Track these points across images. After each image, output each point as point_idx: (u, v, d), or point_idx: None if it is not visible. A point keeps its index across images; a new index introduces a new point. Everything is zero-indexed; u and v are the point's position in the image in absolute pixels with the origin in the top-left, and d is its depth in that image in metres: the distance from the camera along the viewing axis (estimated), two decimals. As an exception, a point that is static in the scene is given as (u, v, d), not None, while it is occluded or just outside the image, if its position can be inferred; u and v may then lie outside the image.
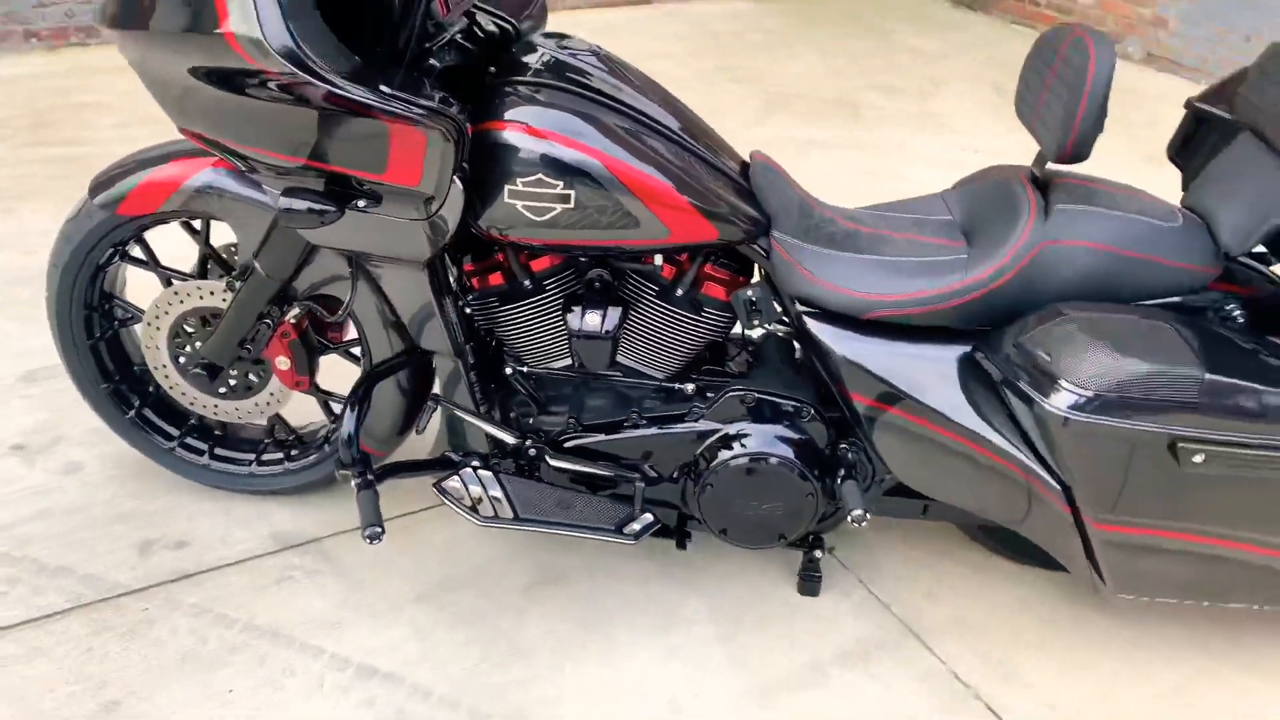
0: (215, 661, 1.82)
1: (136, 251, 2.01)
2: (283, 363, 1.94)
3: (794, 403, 1.83)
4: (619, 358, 1.84)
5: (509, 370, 1.88)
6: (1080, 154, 1.63)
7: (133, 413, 2.11)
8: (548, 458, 1.85)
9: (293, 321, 1.90)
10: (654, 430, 1.85)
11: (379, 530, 1.71)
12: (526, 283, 1.82)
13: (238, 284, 1.86)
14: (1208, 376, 1.52)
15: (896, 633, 1.96)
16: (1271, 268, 1.82)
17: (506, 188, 1.62)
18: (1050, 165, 1.74)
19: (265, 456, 2.15)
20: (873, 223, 1.84)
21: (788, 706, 1.80)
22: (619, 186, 1.62)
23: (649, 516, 1.84)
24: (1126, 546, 1.66)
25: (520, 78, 1.67)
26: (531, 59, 1.72)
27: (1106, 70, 1.58)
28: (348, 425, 1.80)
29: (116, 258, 1.97)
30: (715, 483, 1.82)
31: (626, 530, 1.82)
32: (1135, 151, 3.92)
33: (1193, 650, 1.93)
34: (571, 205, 1.62)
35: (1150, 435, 1.54)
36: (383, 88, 1.47)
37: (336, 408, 2.12)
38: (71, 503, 2.15)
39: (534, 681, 1.82)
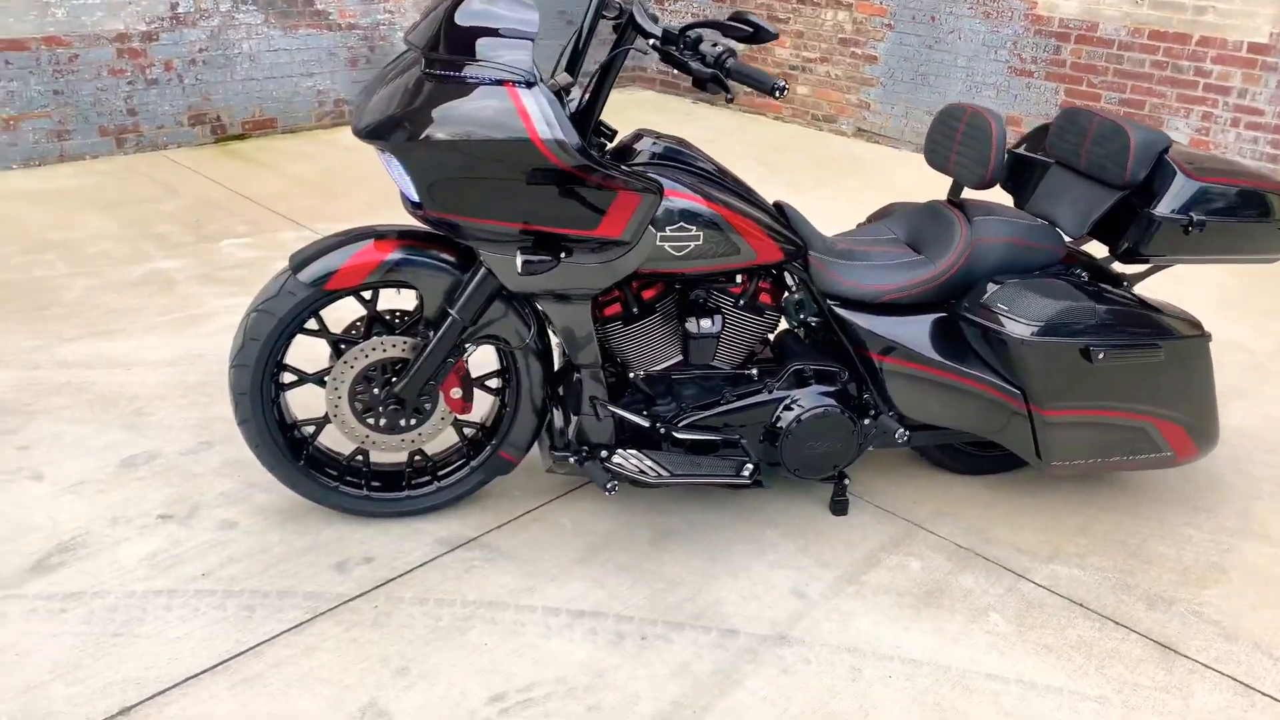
0: (457, 629, 2.29)
1: (310, 323, 2.46)
2: (455, 392, 2.47)
3: (832, 369, 2.63)
4: (703, 356, 2.56)
5: (631, 375, 2.54)
6: (993, 182, 2.60)
7: (302, 461, 2.51)
8: (674, 433, 2.52)
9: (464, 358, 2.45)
10: (742, 404, 2.58)
11: (616, 483, 2.32)
12: (635, 309, 2.50)
13: (431, 333, 2.38)
14: (1096, 306, 2.51)
15: (905, 528, 2.79)
16: (1087, 246, 2.89)
17: (658, 234, 2.31)
18: (964, 194, 2.70)
19: (415, 481, 2.62)
20: (855, 243, 2.71)
21: (867, 582, 2.56)
22: (729, 227, 2.37)
23: (750, 465, 2.56)
24: (1058, 424, 2.61)
25: (641, 161, 2.38)
26: (642, 146, 2.43)
27: (1001, 132, 2.57)
28: (559, 422, 2.39)
29: (300, 329, 2.41)
30: (791, 434, 2.57)
31: (741, 476, 2.53)
32: (870, 191, 5.16)
33: (1092, 502, 2.92)
34: (701, 242, 2.34)
35: (1071, 345, 2.50)
36: (622, 165, 2.15)
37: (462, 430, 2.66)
38: (250, 548, 2.50)
39: (694, 596, 2.45)
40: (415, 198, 2.19)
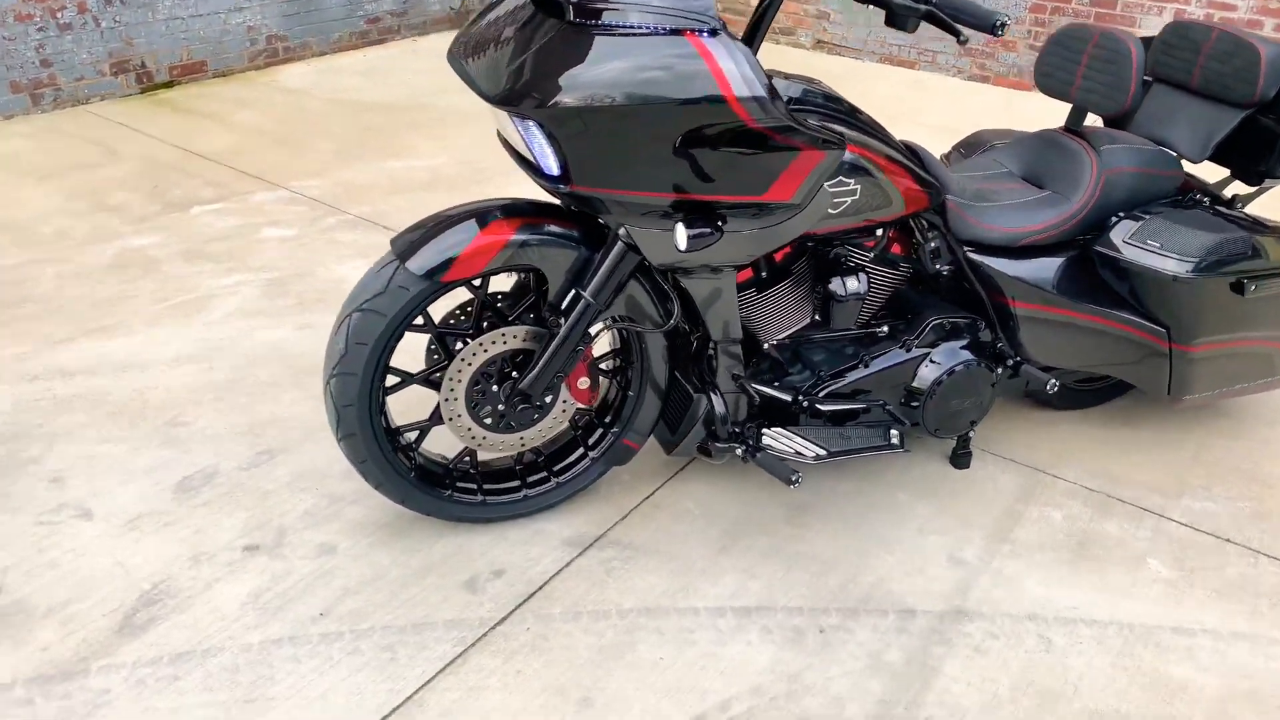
0: (624, 645, 2.08)
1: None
2: (583, 382, 2.20)
3: (969, 320, 2.46)
4: (846, 319, 2.35)
5: (765, 346, 2.31)
6: (1133, 110, 2.42)
7: (412, 474, 2.23)
8: (818, 405, 2.32)
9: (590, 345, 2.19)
10: (882, 366, 2.39)
11: (800, 475, 2.12)
12: (765, 273, 2.28)
13: (557, 319, 2.10)
14: (1245, 236, 2.39)
15: (1032, 476, 2.68)
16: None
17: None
18: (1087, 123, 2.52)
19: (531, 479, 2.36)
20: (979, 182, 2.52)
21: (1018, 539, 2.44)
22: (884, 177, 2.14)
23: (897, 430, 2.38)
24: (1199, 359, 2.51)
25: (794, 108, 2.12)
26: (779, 88, 2.16)
27: (1141, 54, 2.39)
28: (719, 408, 2.15)
29: (409, 327, 2.10)
30: (935, 392, 2.40)
31: (891, 443, 2.36)
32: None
33: (1193, 429, 2.86)
34: (857, 196, 2.11)
35: (1224, 279, 2.39)
36: (809, 120, 1.90)
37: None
38: (362, 575, 2.21)
39: (855, 576, 2.29)
40: (555, 170, 1.90)
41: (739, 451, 2.21)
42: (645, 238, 2.00)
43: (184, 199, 4.02)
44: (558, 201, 2.24)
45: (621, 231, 2.02)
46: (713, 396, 2.21)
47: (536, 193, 3.27)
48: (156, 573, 2.19)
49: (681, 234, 1.91)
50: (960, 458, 2.65)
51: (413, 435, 2.28)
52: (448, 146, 4.75)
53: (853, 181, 2.10)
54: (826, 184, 2.07)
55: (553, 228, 2.09)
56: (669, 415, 2.38)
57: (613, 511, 2.44)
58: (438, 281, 2.02)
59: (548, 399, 2.23)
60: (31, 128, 4.67)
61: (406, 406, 2.52)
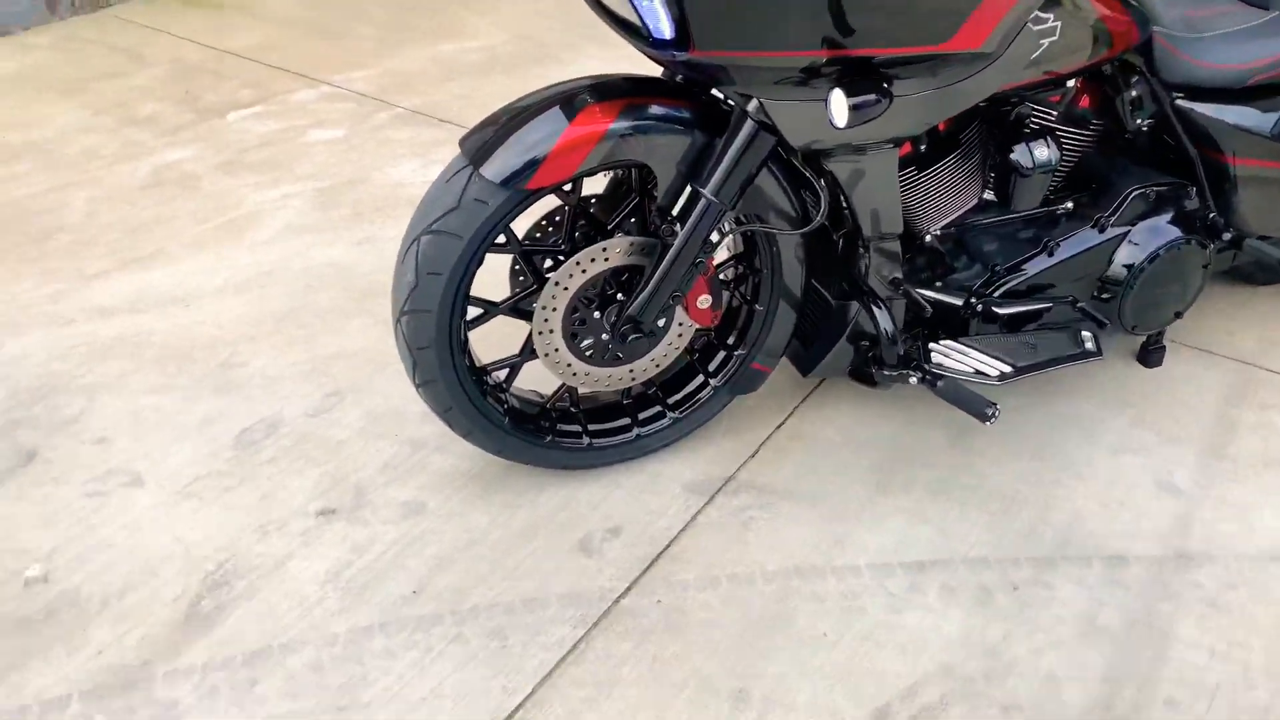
0: (778, 619, 1.72)
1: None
2: (703, 301, 1.79)
3: (1175, 186, 1.97)
4: (1031, 196, 1.88)
5: (928, 237, 1.87)
6: None
7: (506, 419, 1.86)
8: (994, 307, 1.88)
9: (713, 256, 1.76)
10: (1072, 252, 1.93)
11: (997, 408, 1.71)
12: (924, 147, 1.81)
13: (675, 227, 1.68)
14: None
15: (1240, 371, 2.22)
16: None
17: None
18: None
19: (643, 415, 1.99)
20: (1186, 6, 1.99)
21: (1238, 456, 2.01)
22: (1089, 9, 1.65)
23: (1088, 333, 1.94)
24: None
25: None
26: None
27: None
28: (884, 324, 1.74)
29: (490, 247, 1.70)
30: (1138, 280, 1.94)
31: (1085, 348, 1.91)
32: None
33: None
34: (1058, 36, 1.63)
35: None
36: None
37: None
38: (457, 539, 1.88)
39: (1045, 515, 1.90)
40: (668, 32, 1.45)
41: (914, 380, 1.79)
42: (784, 113, 1.55)
43: (219, 104, 3.62)
44: (662, 74, 1.80)
45: (752, 107, 1.58)
46: (872, 308, 1.78)
47: (624, 65, 2.80)
48: (221, 548, 1.88)
49: (840, 104, 1.46)
50: (1151, 353, 2.20)
51: (501, 374, 1.90)
52: (501, 22, 4.25)
53: (1051, 17, 1.61)
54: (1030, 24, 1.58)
55: (660, 110, 1.65)
56: (804, 329, 1.97)
57: (740, 447, 2.06)
58: (522, 190, 1.61)
59: (660, 323, 1.83)
60: (51, 37, 4.27)
61: (491, 340, 2.14)
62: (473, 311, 1.80)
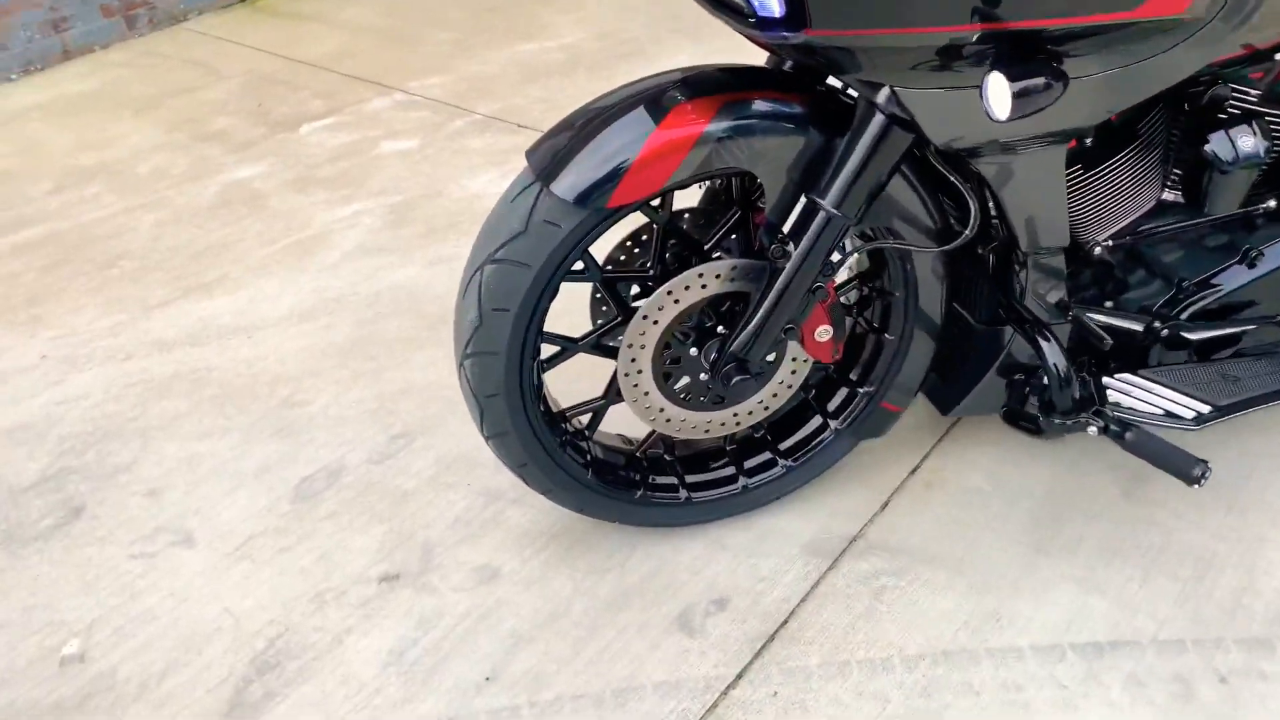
0: (923, 716, 1.42)
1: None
2: (823, 332, 1.50)
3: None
4: (1231, 197, 1.53)
5: (1097, 249, 1.53)
6: None
7: (589, 472, 1.60)
8: (1181, 332, 1.53)
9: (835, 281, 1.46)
10: (1275, 263, 1.57)
11: (1208, 468, 1.38)
12: (1090, 141, 1.47)
13: (788, 246, 1.39)
14: None
15: None
16: None
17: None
18: None
19: (749, 463, 1.70)
20: None
21: None
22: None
23: (1307, 358, 1.58)
24: None
25: None
26: None
27: None
28: (1052, 357, 1.42)
29: (567, 275, 1.44)
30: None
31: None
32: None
33: None
34: (1274, -3, 1.29)
35: None
36: None
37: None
38: (537, 613, 1.62)
39: (1254, 576, 1.54)
40: (778, 8, 1.16)
41: (1093, 429, 1.45)
42: (924, 105, 1.24)
43: (291, 116, 3.45)
44: (767, 62, 1.51)
45: (882, 98, 1.27)
46: (1035, 337, 1.45)
47: (721, 59, 2.51)
48: (273, 621, 1.66)
49: (1000, 91, 1.15)
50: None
51: (584, 418, 1.64)
52: (585, 19, 3.99)
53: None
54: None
55: (767, 105, 1.36)
56: (943, 360, 1.65)
57: (868, 498, 1.75)
58: (601, 209, 1.34)
59: (770, 358, 1.54)
60: (128, 54, 4.18)
61: (569, 378, 1.87)
62: (547, 350, 1.53)
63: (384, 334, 2.31)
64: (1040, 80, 1.15)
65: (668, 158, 1.31)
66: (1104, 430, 1.44)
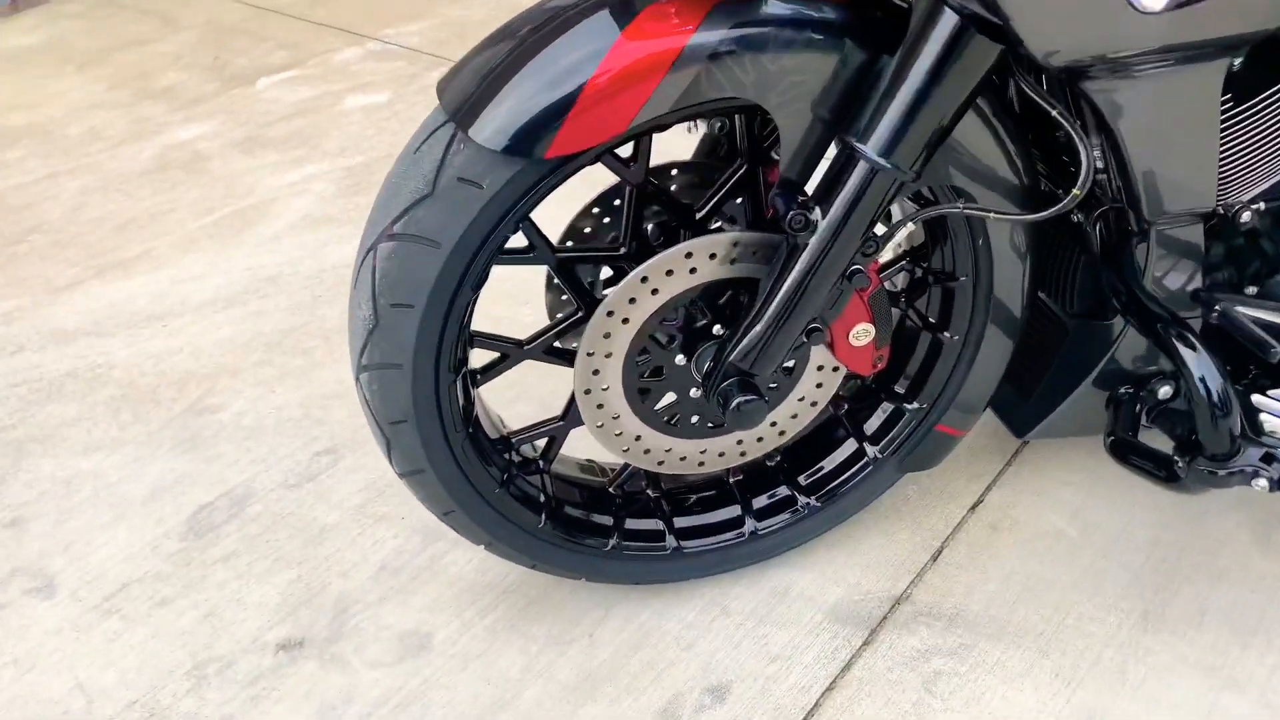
0: None
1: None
2: (861, 334, 1.08)
3: None
4: None
5: (1246, 214, 1.10)
6: None
7: (542, 518, 1.19)
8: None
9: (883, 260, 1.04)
10: None
11: None
12: (1238, 61, 1.04)
13: (813, 213, 0.97)
14: None
15: None
16: None
17: None
18: None
19: (759, 501, 1.29)
20: None
21: None
22: None
23: None
24: None
25: None
26: None
27: None
28: (1198, 369, 0.99)
29: (500, 256, 1.03)
30: None
31: None
32: None
33: None
34: None
35: None
36: None
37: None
38: (477, 702, 1.22)
39: None
40: None
41: (1263, 483, 1.02)
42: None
43: (249, 70, 3.04)
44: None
45: (959, -7, 0.85)
46: (1172, 340, 1.02)
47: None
48: (135, 703, 1.27)
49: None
50: None
51: (539, 443, 1.23)
52: (586, -39, 3.56)
53: None
54: None
55: (782, 7, 0.93)
56: (1020, 366, 1.24)
57: (915, 542, 1.34)
58: (539, 159, 0.92)
59: (790, 366, 1.12)
60: (83, 5, 3.77)
61: (512, 390, 1.45)
62: (481, 356, 1.13)
63: (321, 323, 1.92)
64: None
65: (635, 83, 0.90)
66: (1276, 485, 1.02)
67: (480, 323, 1.14)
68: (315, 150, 2.55)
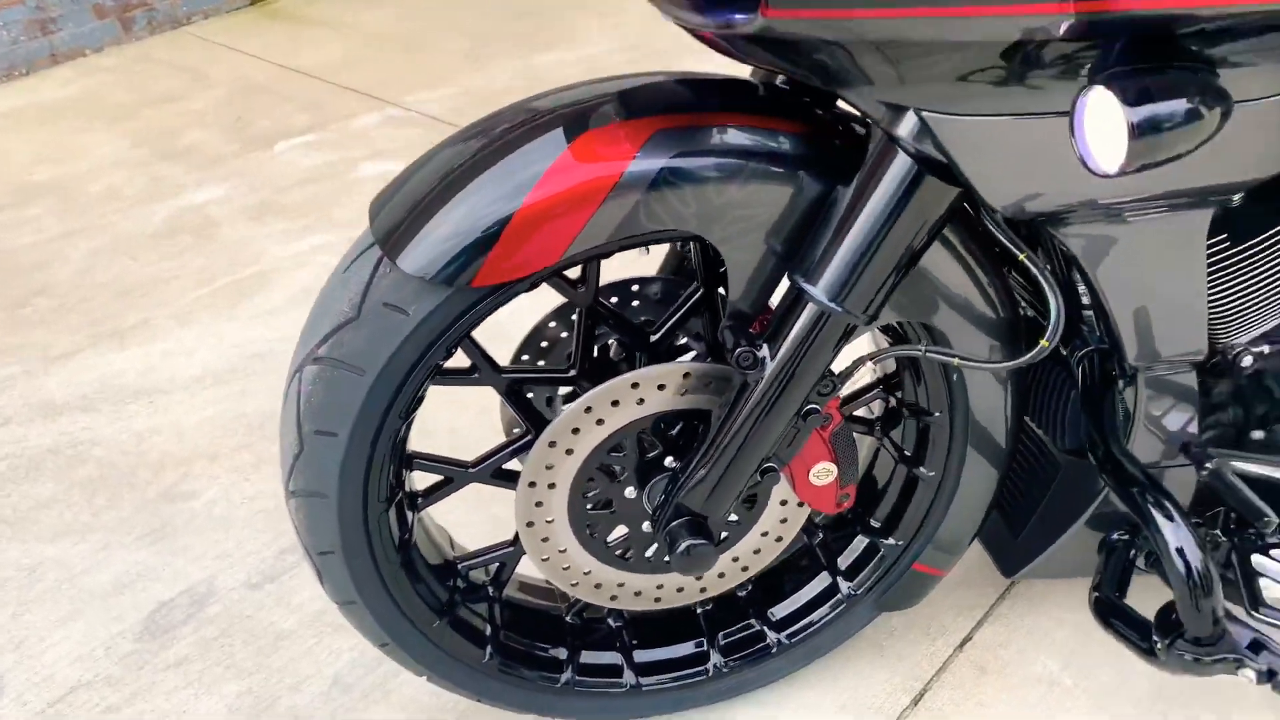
0: None
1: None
2: (823, 473, 1.00)
3: None
4: None
5: (1245, 358, 1.01)
6: None
7: (488, 651, 1.12)
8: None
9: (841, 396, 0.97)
10: None
11: None
12: (1236, 198, 0.95)
13: (760, 351, 0.90)
14: None
15: None
16: None
17: None
18: None
19: (726, 635, 1.20)
20: None
21: None
22: None
23: None
24: None
25: None
26: None
27: None
28: (1177, 542, 0.89)
29: (436, 376, 0.97)
30: None
31: None
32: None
33: None
34: None
35: None
36: None
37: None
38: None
39: None
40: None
41: (1250, 675, 0.92)
42: (972, 141, 0.75)
43: (270, 132, 3.06)
44: (751, 74, 1.04)
45: (905, 129, 0.78)
46: (1149, 504, 0.93)
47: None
48: (68, 823, 1.22)
49: (1108, 120, 0.65)
50: None
51: (491, 568, 1.16)
52: (618, 25, 3.54)
53: None
54: None
55: (732, 135, 0.87)
56: (1009, 497, 1.15)
57: (894, 684, 1.25)
58: (463, 287, 0.87)
59: (750, 504, 1.05)
60: (119, 59, 3.85)
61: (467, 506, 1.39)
62: (426, 479, 1.07)
63: (306, 404, 1.87)
64: (1178, 106, 0.65)
65: (567, 213, 0.84)
66: (1269, 679, 0.91)
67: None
68: (324, 219, 2.53)
